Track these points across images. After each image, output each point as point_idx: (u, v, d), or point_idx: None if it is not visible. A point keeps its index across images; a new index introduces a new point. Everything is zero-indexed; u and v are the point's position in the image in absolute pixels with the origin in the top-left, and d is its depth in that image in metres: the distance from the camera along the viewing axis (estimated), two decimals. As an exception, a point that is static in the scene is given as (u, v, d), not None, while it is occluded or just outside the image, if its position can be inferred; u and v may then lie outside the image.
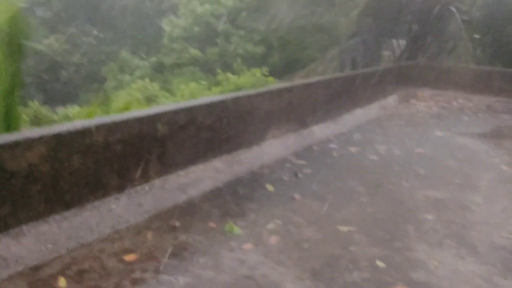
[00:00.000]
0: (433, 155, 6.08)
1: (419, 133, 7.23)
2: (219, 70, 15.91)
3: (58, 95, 21.69)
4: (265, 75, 13.48)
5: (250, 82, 12.25)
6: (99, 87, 20.29)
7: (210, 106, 4.63)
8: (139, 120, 3.78)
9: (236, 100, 5.00)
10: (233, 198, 4.32)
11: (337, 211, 4.16)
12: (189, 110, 4.35)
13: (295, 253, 3.38)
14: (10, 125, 3.96)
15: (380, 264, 3.29)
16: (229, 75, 13.67)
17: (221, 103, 4.76)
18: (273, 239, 3.58)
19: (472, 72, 10.40)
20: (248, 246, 3.46)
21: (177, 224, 3.73)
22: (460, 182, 5.07)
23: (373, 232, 3.78)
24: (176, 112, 4.19)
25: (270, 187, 4.65)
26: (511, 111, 9.01)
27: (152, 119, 3.92)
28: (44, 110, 10.17)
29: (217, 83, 13.97)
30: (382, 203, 4.41)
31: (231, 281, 2.98)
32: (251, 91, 5.41)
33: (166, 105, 4.53)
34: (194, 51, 18.71)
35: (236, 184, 4.69)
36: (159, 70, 20.50)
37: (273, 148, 5.69)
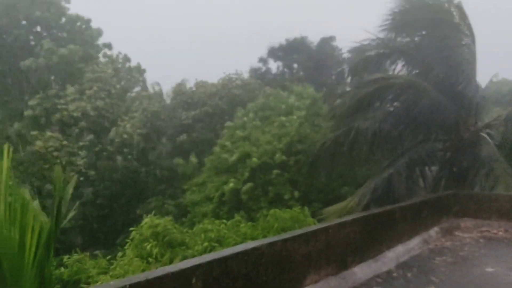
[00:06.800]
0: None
1: (467, 270, 6.75)
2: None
3: (99, 237, 21.96)
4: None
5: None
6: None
7: (245, 255, 4.52)
8: (174, 276, 3.69)
9: (271, 245, 4.88)
10: None
11: None
12: (223, 261, 4.25)
13: None
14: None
15: None
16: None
17: (256, 250, 4.65)
18: None
19: (515, 199, 10.02)
20: None
21: None
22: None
23: None
24: (210, 264, 4.09)
25: None
26: None
27: (186, 274, 3.82)
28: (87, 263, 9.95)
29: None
30: None
31: None
32: (287, 235, 5.30)
33: (199, 257, 4.43)
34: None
35: None
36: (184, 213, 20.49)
37: (313, 294, 5.38)
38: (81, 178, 22.38)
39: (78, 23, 30.72)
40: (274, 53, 35.27)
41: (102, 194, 24.02)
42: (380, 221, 7.29)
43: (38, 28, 29.28)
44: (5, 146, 4.15)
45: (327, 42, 34.56)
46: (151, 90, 30.73)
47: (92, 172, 23.59)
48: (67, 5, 30.46)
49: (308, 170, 15.94)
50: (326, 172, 15.10)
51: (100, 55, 30.98)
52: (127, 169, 24.86)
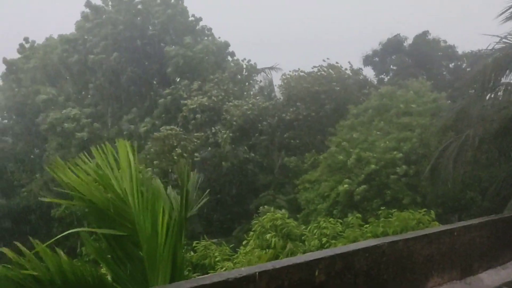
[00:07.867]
0: None
1: None
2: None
3: (216, 226, 23.28)
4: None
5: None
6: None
7: (366, 251, 4.58)
8: (299, 267, 3.90)
9: (393, 244, 4.87)
10: None
11: None
12: (345, 256, 4.37)
13: None
14: (175, 272, 4.41)
15: None
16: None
17: (377, 248, 4.69)
18: None
19: None
20: None
21: None
22: None
23: None
24: (333, 258, 4.24)
25: None
26: None
27: (310, 266, 4.01)
28: (213, 249, 10.73)
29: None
30: None
31: None
32: (408, 235, 5.25)
33: (322, 251, 4.61)
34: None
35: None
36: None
37: (436, 298, 5.25)
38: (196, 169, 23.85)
39: (207, 32, 33.63)
40: (369, 60, 33.77)
41: (215, 184, 25.28)
42: (510, 226, 6.81)
43: (169, 34, 32.05)
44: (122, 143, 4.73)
45: (422, 37, 32.36)
46: (261, 82, 32.26)
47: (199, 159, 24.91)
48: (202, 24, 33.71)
49: (429, 175, 15.24)
50: (447, 177, 14.26)
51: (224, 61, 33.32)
52: (236, 156, 25.90)
